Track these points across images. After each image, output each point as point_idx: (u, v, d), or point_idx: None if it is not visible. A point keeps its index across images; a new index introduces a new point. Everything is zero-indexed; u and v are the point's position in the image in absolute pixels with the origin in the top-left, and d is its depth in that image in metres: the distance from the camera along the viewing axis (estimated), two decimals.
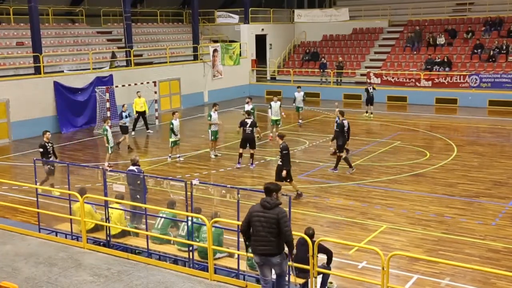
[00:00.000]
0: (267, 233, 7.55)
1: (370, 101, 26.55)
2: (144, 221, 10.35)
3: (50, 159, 15.29)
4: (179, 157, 19.14)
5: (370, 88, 26.72)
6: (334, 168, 17.24)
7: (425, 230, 12.45)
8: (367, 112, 26.91)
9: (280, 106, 22.01)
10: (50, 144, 15.51)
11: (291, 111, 29.00)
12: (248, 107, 20.77)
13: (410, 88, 31.15)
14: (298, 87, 25.53)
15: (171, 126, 18.55)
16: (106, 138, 18.07)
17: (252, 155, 18.01)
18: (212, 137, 19.19)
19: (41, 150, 15.32)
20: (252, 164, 17.98)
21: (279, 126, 22.30)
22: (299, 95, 24.79)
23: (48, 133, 15.70)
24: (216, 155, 19.32)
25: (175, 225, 10.44)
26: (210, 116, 19.17)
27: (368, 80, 31.23)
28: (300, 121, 25.24)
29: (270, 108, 22.07)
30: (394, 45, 35.46)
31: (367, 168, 17.57)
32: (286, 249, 7.77)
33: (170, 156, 19.06)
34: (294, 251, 7.89)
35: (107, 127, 18.08)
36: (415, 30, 34.61)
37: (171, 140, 18.75)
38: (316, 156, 19.32)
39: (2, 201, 13.98)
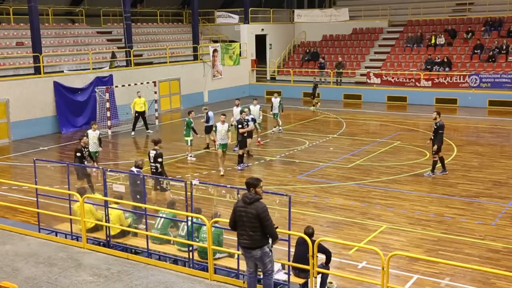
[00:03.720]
0: (247, 227, 7.85)
1: (315, 95, 29.38)
2: (146, 221, 10.36)
3: (85, 163, 14.97)
4: (188, 154, 19.32)
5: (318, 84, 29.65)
6: (443, 170, 16.67)
7: (425, 230, 12.45)
8: (314, 105, 29.41)
9: (260, 109, 21.18)
10: (86, 149, 15.15)
11: (291, 111, 29.04)
12: (236, 110, 20.01)
13: (410, 88, 31.16)
14: (276, 93, 24.24)
15: (192, 125, 18.69)
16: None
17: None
18: (220, 148, 17.30)
19: (79, 155, 14.83)
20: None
21: (259, 130, 21.04)
22: (276, 101, 22.94)
23: (85, 137, 15.52)
24: (223, 172, 17.21)
25: (175, 225, 10.45)
26: (215, 127, 17.44)
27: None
28: (280, 128, 23.27)
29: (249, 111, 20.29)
30: (394, 45, 35.46)
31: (367, 168, 17.57)
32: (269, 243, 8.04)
33: (191, 155, 19.24)
34: (271, 249, 8.15)
35: (90, 132, 16.74)
36: (417, 35, 34.59)
37: (189, 139, 18.77)
38: (316, 156, 19.31)
39: (2, 201, 13.98)
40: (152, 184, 13.47)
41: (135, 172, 12.48)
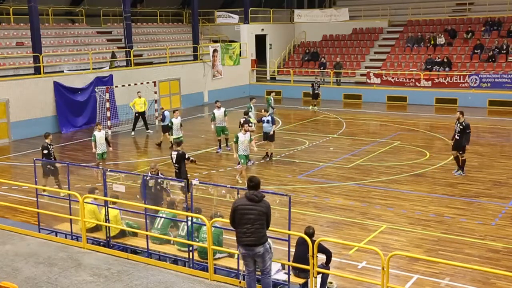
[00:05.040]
0: (255, 225, 7.82)
1: (316, 96, 29.01)
2: (146, 221, 10.33)
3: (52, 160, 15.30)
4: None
5: (316, 85, 28.89)
6: (458, 169, 16.69)
7: (425, 230, 12.45)
8: (313, 105, 29.15)
9: (225, 114, 19.80)
10: (51, 146, 15.55)
11: (291, 111, 29.03)
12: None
13: (410, 88, 31.15)
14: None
15: (170, 124, 19.03)
16: (95, 143, 16.85)
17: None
18: (243, 163, 16.04)
19: (45, 152, 15.26)
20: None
21: (227, 134, 20.04)
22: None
23: (50, 136, 15.76)
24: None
25: (175, 225, 10.45)
26: (237, 138, 15.89)
27: (316, 77, 33.06)
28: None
29: (213, 116, 19.68)
30: (394, 45, 35.46)
31: (367, 168, 17.57)
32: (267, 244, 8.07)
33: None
34: (271, 245, 8.25)
35: (96, 133, 16.94)
36: (417, 35, 34.59)
37: (171, 138, 19.11)
38: (316, 156, 19.31)
39: (2, 201, 13.98)
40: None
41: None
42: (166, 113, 20.97)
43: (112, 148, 17.73)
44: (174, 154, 14.20)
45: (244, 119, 18.28)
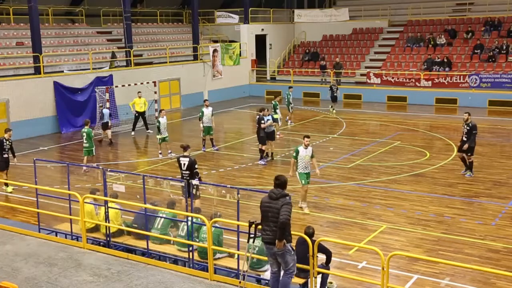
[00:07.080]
0: (272, 222, 7.92)
1: (334, 99, 27.73)
2: (146, 222, 10.34)
3: (4, 156, 15.74)
4: (170, 152, 19.40)
5: (334, 87, 27.85)
6: (469, 171, 16.62)
7: (425, 230, 12.45)
8: (332, 107, 27.94)
9: (211, 114, 19.94)
10: (8, 142, 15.91)
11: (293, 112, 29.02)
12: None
13: (410, 88, 31.15)
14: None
15: (158, 124, 19.18)
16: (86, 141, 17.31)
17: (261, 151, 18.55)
18: (304, 183, 13.92)
19: None
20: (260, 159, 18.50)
21: (212, 134, 20.27)
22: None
23: (10, 131, 16.31)
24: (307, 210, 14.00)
25: (175, 225, 10.45)
26: (297, 153, 13.81)
27: (328, 79, 32.63)
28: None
29: (202, 114, 19.78)
30: (394, 45, 35.46)
31: (367, 168, 17.57)
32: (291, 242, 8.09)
33: (160, 153, 19.55)
34: (293, 247, 8.22)
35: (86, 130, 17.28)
36: (417, 35, 34.59)
37: (158, 137, 19.29)
38: (316, 156, 19.21)
39: (2, 201, 13.98)
40: (182, 192, 12.11)
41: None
42: (105, 111, 21.93)
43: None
44: (185, 160, 13.17)
45: (258, 116, 18.36)
